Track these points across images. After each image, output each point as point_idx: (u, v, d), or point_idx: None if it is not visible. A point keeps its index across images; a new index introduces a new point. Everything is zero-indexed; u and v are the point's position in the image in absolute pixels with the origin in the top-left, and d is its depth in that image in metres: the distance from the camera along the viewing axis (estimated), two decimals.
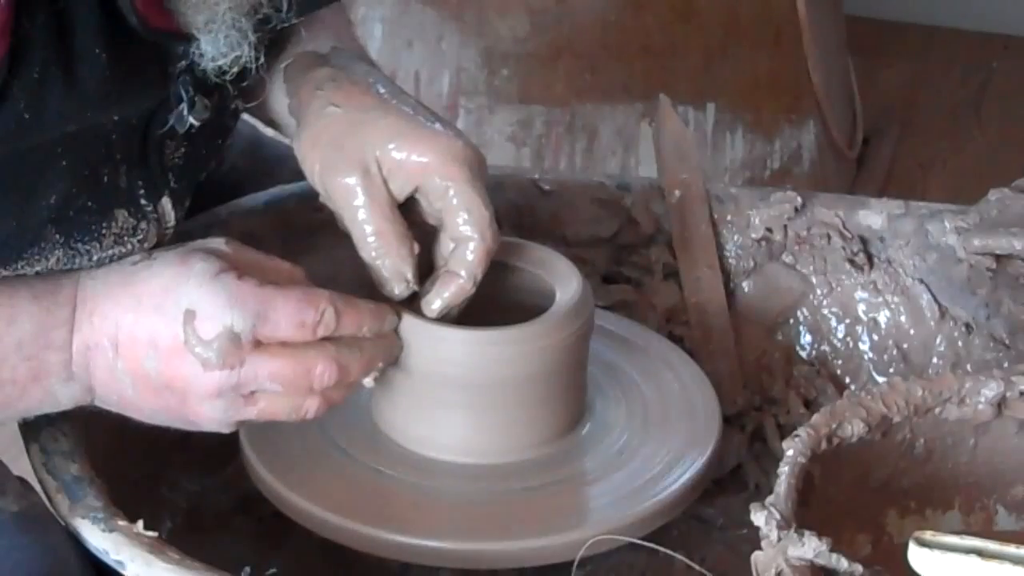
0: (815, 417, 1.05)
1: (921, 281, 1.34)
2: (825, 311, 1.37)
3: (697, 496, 1.17)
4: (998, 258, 1.29)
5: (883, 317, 1.35)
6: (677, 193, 1.38)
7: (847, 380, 1.37)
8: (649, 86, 2.24)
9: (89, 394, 1.07)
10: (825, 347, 1.37)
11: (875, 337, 1.36)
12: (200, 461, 1.26)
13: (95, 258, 1.07)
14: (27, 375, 1.04)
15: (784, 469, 1.00)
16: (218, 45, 1.04)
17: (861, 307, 1.36)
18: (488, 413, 1.14)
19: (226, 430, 1.07)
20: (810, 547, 0.93)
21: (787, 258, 1.38)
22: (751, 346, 1.37)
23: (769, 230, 1.37)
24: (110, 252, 1.08)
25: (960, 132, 2.97)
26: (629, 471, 1.16)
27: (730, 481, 1.31)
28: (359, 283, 1.11)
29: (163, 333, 1.03)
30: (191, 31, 1.04)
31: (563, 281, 1.17)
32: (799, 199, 1.36)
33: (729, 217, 1.38)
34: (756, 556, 0.96)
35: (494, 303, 1.16)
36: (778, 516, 0.95)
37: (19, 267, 1.04)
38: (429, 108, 1.14)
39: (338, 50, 1.18)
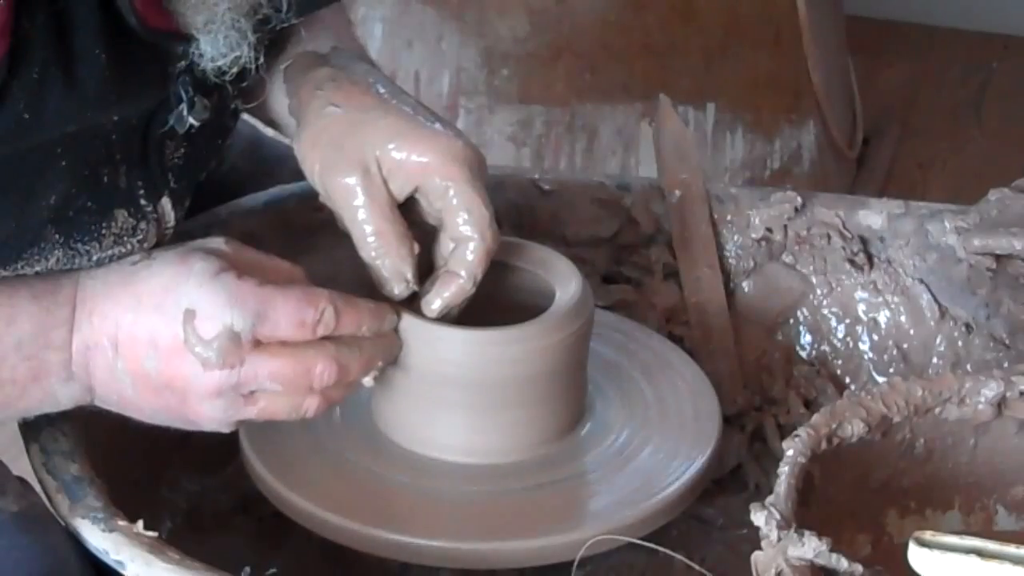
0: (815, 417, 1.05)
1: (921, 281, 1.34)
2: (825, 311, 1.37)
3: (697, 496, 1.17)
4: (998, 258, 1.29)
5: (883, 317, 1.35)
6: (677, 193, 1.38)
7: (847, 380, 1.37)
8: (649, 86, 2.24)
9: (89, 394, 1.07)
10: (825, 347, 1.37)
11: (875, 337, 1.36)
12: (200, 461, 1.26)
13: (95, 258, 1.07)
14: (27, 375, 1.04)
15: (784, 469, 1.00)
16: (217, 45, 1.04)
17: (861, 307, 1.36)
18: (488, 413, 1.14)
19: (226, 430, 1.07)
20: (810, 547, 0.93)
21: (787, 258, 1.38)
22: (751, 346, 1.37)
23: (769, 230, 1.37)
24: (110, 252, 1.08)
25: (960, 132, 2.97)
26: (629, 471, 1.16)
27: (730, 481, 1.31)
28: (359, 283, 1.11)
29: (163, 333, 1.03)
30: (190, 31, 1.04)
31: (563, 281, 1.17)
32: (799, 199, 1.36)
33: (729, 217, 1.38)
34: (756, 556, 0.96)
35: (494, 303, 1.16)
36: (778, 516, 0.95)
37: (19, 267, 1.04)
38: (429, 108, 1.14)
39: (338, 50, 1.18)
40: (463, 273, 1.10)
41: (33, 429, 1.11)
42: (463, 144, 1.10)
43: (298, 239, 1.29)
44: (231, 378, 1.03)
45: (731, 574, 1.13)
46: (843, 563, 0.93)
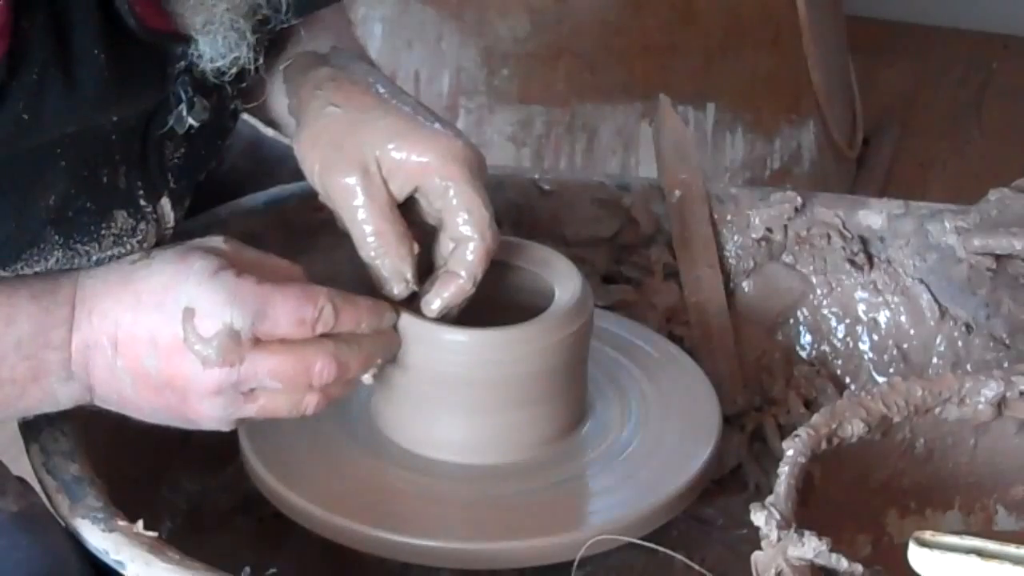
0: (815, 417, 1.05)
1: (921, 281, 1.34)
2: (825, 311, 1.37)
3: (697, 496, 1.17)
4: (998, 258, 1.29)
5: (883, 317, 1.35)
6: (677, 193, 1.38)
7: (847, 380, 1.37)
8: (649, 86, 2.24)
9: (89, 393, 1.07)
10: (825, 347, 1.37)
11: (875, 337, 1.36)
12: (200, 461, 1.26)
13: (94, 259, 1.07)
14: (26, 374, 1.04)
15: (784, 469, 1.00)
16: (216, 46, 1.04)
17: (861, 307, 1.36)
18: (488, 413, 1.14)
19: (226, 428, 1.07)
20: (810, 547, 0.93)
21: (787, 258, 1.38)
22: (751, 346, 1.37)
23: (769, 230, 1.37)
24: (109, 253, 1.08)
25: (960, 132, 2.97)
26: (629, 471, 1.16)
27: (730, 481, 1.31)
28: (359, 283, 1.11)
29: (163, 331, 1.03)
30: (189, 32, 1.04)
31: (563, 281, 1.17)
32: (799, 199, 1.36)
33: (729, 217, 1.38)
34: (756, 556, 0.96)
35: (494, 303, 1.16)
36: (778, 516, 0.95)
37: (18, 268, 1.04)
38: (429, 108, 1.14)
39: (338, 50, 1.18)
40: (463, 273, 1.10)
41: (33, 429, 1.11)
42: (463, 144, 1.10)
43: (298, 239, 1.29)
44: (231, 376, 1.03)
45: (731, 574, 1.13)
46: (843, 563, 0.93)
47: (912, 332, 1.34)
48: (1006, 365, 1.28)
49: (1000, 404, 1.09)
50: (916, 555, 0.92)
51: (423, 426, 1.15)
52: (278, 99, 1.19)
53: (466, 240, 1.10)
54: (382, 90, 1.13)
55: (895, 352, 1.35)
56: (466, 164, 1.09)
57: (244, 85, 1.11)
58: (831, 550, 0.93)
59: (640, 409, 1.21)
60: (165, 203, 1.12)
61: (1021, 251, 1.27)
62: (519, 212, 1.38)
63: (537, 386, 1.14)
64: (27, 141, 0.99)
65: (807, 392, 1.36)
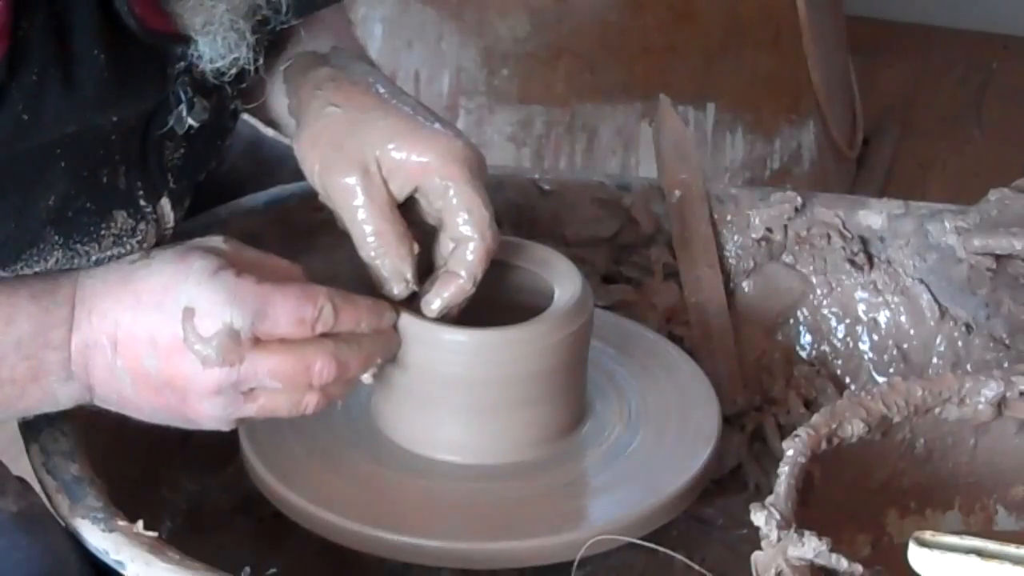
0: (815, 417, 1.05)
1: (921, 281, 1.34)
2: (825, 311, 1.37)
3: (697, 496, 1.17)
4: (998, 258, 1.29)
5: (883, 317, 1.35)
6: (677, 193, 1.38)
7: (847, 380, 1.37)
8: (649, 86, 2.24)
9: (88, 393, 1.07)
10: (825, 347, 1.37)
11: (875, 337, 1.36)
12: (200, 461, 1.26)
13: (94, 259, 1.07)
14: (26, 374, 1.04)
15: (784, 469, 1.00)
16: (216, 47, 1.04)
17: (861, 307, 1.36)
18: (488, 413, 1.14)
19: (226, 428, 1.07)
20: (810, 547, 0.93)
21: (787, 258, 1.38)
22: (751, 346, 1.37)
23: (769, 230, 1.37)
24: (109, 253, 1.08)
25: (960, 132, 2.97)
26: (629, 471, 1.16)
27: (730, 481, 1.31)
28: (359, 283, 1.11)
29: (162, 331, 1.03)
30: (189, 33, 1.04)
31: (563, 280, 1.17)
32: (799, 199, 1.36)
33: (729, 217, 1.38)
34: (756, 556, 0.96)
35: (494, 303, 1.16)
36: (778, 516, 0.95)
37: (18, 268, 1.04)
38: (429, 108, 1.14)
39: (338, 50, 1.18)
40: (463, 273, 1.10)
41: (33, 429, 1.11)
42: (463, 144, 1.10)
43: (298, 239, 1.29)
44: (231, 376, 1.03)
45: (731, 574, 1.13)
46: (843, 563, 0.93)
47: (912, 332, 1.34)
48: (1006, 365, 1.28)
49: (1000, 404, 1.09)
50: (916, 555, 0.92)
51: (423, 426, 1.15)
52: (278, 99, 1.19)
53: (466, 240, 1.10)
54: (382, 90, 1.13)
55: (895, 352, 1.35)
56: (466, 164, 1.09)
57: (244, 85, 1.11)
58: (831, 550, 0.93)
59: (640, 409, 1.21)
60: (165, 203, 1.12)
61: (1021, 251, 1.27)
62: (519, 212, 1.38)
63: (537, 386, 1.14)
64: (27, 141, 0.99)
65: (807, 392, 1.36)
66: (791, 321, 1.38)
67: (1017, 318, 1.29)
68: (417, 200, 1.12)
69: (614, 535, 1.10)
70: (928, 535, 0.92)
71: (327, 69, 1.15)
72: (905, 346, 1.34)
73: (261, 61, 1.07)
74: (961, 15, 3.28)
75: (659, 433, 1.19)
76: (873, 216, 1.36)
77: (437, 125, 1.11)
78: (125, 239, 1.08)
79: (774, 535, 0.95)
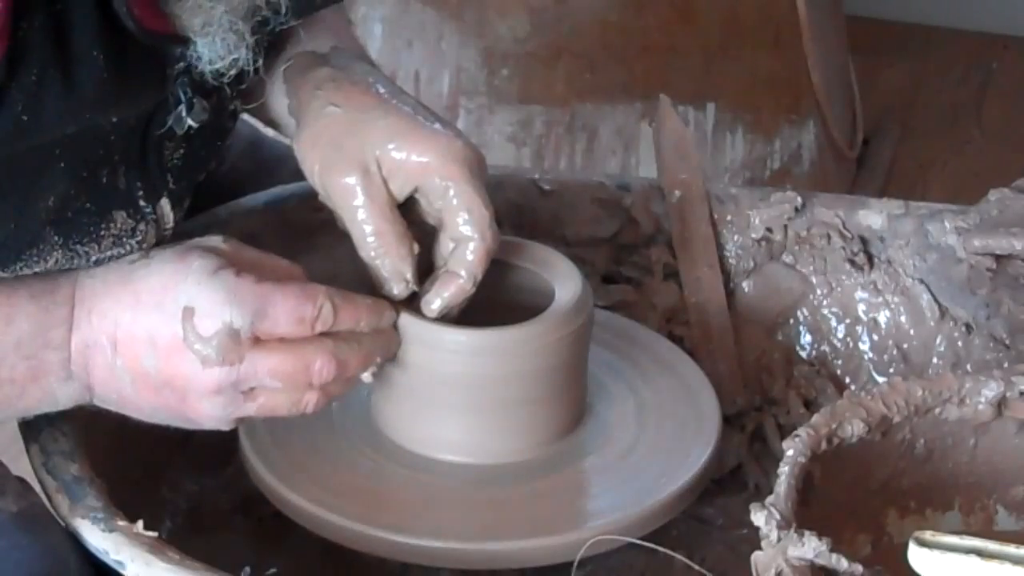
0: (815, 417, 1.05)
1: (921, 281, 1.34)
2: (825, 311, 1.37)
3: (697, 496, 1.17)
4: (998, 258, 1.29)
5: (883, 317, 1.35)
6: (677, 193, 1.38)
7: (847, 380, 1.37)
8: (649, 86, 2.24)
9: (88, 393, 1.07)
10: (825, 347, 1.37)
11: (875, 337, 1.36)
12: (200, 461, 1.26)
13: (93, 259, 1.07)
14: (26, 374, 1.04)
15: (784, 469, 1.00)
16: (215, 48, 1.04)
17: (861, 307, 1.36)
18: (488, 413, 1.14)
19: (226, 427, 1.07)
20: (810, 547, 0.93)
21: (787, 258, 1.38)
22: (751, 346, 1.37)
23: (769, 230, 1.37)
24: (108, 253, 1.08)
25: (960, 132, 2.97)
26: (629, 471, 1.16)
27: (730, 481, 1.31)
28: (359, 283, 1.11)
29: (162, 331, 1.03)
30: (188, 34, 1.03)
31: (563, 280, 1.17)
32: (799, 199, 1.36)
33: (729, 217, 1.38)
34: (756, 556, 0.96)
35: (494, 302, 1.16)
36: (778, 516, 0.95)
37: (18, 269, 1.04)
38: (429, 108, 1.14)
39: (338, 50, 1.18)
40: (463, 273, 1.10)
41: (33, 429, 1.11)
42: (463, 144, 1.10)
43: (298, 239, 1.29)
44: (230, 375, 1.03)
45: (731, 574, 1.13)
46: (843, 563, 0.93)
47: (912, 332, 1.34)
48: (1006, 365, 1.28)
49: (1000, 404, 1.09)
50: (916, 555, 0.92)
51: (423, 426, 1.15)
52: (278, 99, 1.19)
53: (466, 240, 1.10)
54: (382, 90, 1.13)
55: (895, 352, 1.35)
56: (466, 164, 1.09)
57: (243, 86, 1.11)
58: (831, 550, 0.93)
59: (640, 409, 1.21)
60: (164, 204, 1.12)
61: (1021, 251, 1.27)
62: (519, 212, 1.38)
63: (537, 386, 1.14)
64: (26, 142, 0.99)
65: (807, 392, 1.36)
66: (791, 321, 1.38)
67: (1017, 318, 1.29)
68: (417, 200, 1.12)
69: (614, 535, 1.10)
70: (928, 535, 0.92)
71: (327, 69, 1.15)
72: (905, 346, 1.34)
73: (261, 62, 1.07)
74: (961, 15, 3.28)
75: (659, 433, 1.19)
76: (873, 216, 1.36)
77: (437, 125, 1.11)
78: (125, 239, 1.08)
79: (774, 535, 0.95)
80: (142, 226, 1.09)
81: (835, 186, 2.49)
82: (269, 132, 1.31)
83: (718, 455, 1.20)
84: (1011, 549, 0.90)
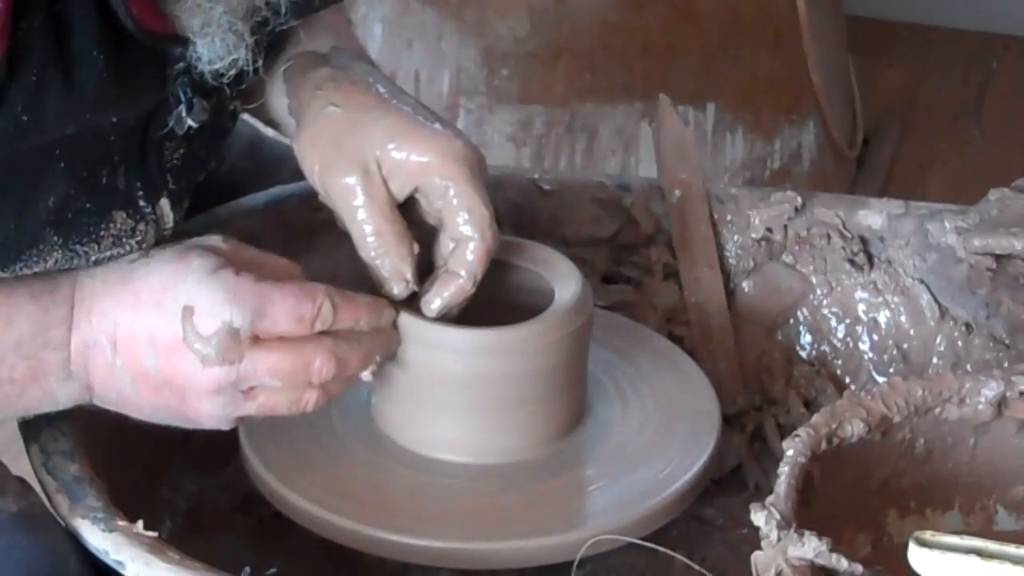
0: (815, 417, 1.05)
1: (921, 281, 1.34)
2: (825, 311, 1.37)
3: (697, 496, 1.17)
4: (998, 258, 1.29)
5: (883, 317, 1.35)
6: (677, 193, 1.38)
7: (847, 380, 1.37)
8: (649, 86, 2.24)
9: (88, 393, 1.07)
10: (825, 347, 1.37)
11: (875, 337, 1.36)
12: (200, 461, 1.26)
13: (93, 259, 1.07)
14: (25, 374, 1.04)
15: (784, 469, 1.00)
16: (215, 49, 1.04)
17: (861, 307, 1.36)
18: (488, 413, 1.14)
19: (226, 427, 1.07)
20: (810, 547, 0.93)
21: (787, 258, 1.38)
22: (751, 346, 1.37)
23: (769, 230, 1.37)
24: (108, 254, 1.08)
25: (960, 132, 2.97)
26: (629, 471, 1.16)
27: (730, 481, 1.31)
28: (359, 283, 1.11)
29: (162, 330, 1.03)
30: (187, 35, 1.03)
31: (563, 280, 1.17)
32: (799, 199, 1.36)
33: (729, 217, 1.38)
34: (756, 556, 0.96)
35: (494, 302, 1.16)
36: (778, 516, 0.95)
37: (17, 269, 1.04)
38: (429, 108, 1.14)
39: (338, 50, 1.18)
40: (463, 273, 1.10)
41: (33, 429, 1.11)
42: (463, 144, 1.10)
43: (298, 239, 1.29)
44: (230, 374, 1.03)
45: (731, 574, 1.13)
46: (843, 563, 0.93)
47: (912, 332, 1.34)
48: (1006, 365, 1.28)
49: (1000, 404, 1.09)
50: (916, 555, 0.92)
51: (423, 426, 1.15)
52: (278, 99, 1.19)
53: (466, 240, 1.10)
54: (382, 90, 1.13)
55: (895, 352, 1.35)
56: (466, 164, 1.10)
57: (243, 86, 1.11)
58: (831, 550, 0.93)
59: (640, 409, 1.21)
60: (164, 204, 1.12)
61: (1021, 251, 1.27)
62: (519, 212, 1.38)
63: (537, 385, 1.14)
64: (26, 142, 0.99)
65: (807, 392, 1.36)
66: (791, 321, 1.38)
67: (1017, 318, 1.29)
68: (417, 200, 1.12)
69: (614, 535, 1.10)
70: (928, 535, 0.92)
71: (327, 69, 1.15)
72: (905, 346, 1.34)
73: (260, 62, 1.07)
74: (961, 15, 3.28)
75: (659, 433, 1.19)
76: (873, 216, 1.36)
77: (437, 125, 1.11)
78: (124, 240, 1.08)
79: (774, 535, 0.95)
80: (142, 226, 1.09)
81: (835, 186, 2.49)
82: (269, 132, 1.31)
83: (718, 455, 1.20)
84: (1011, 549, 0.90)
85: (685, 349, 1.31)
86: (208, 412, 1.05)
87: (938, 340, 1.33)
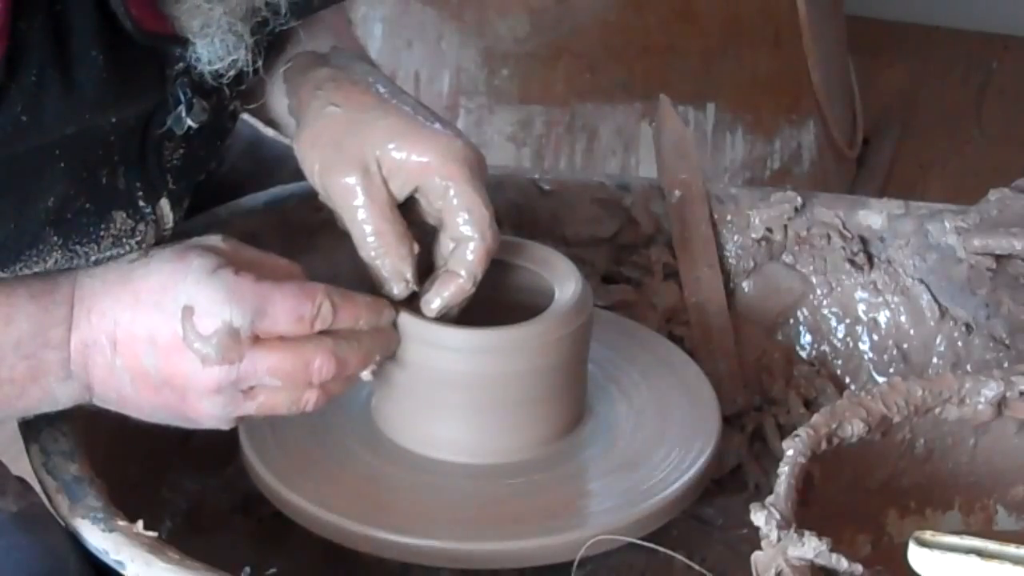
0: (815, 417, 1.05)
1: (921, 281, 1.34)
2: (825, 311, 1.37)
3: (697, 496, 1.17)
4: (998, 258, 1.29)
5: (883, 317, 1.35)
6: (677, 193, 1.38)
7: (847, 380, 1.37)
8: (649, 86, 2.24)
9: (88, 392, 1.07)
10: (825, 347, 1.37)
11: (875, 337, 1.36)
12: (200, 461, 1.26)
13: (93, 259, 1.07)
14: (25, 374, 1.04)
15: (784, 469, 1.00)
16: (214, 49, 1.04)
17: (861, 307, 1.36)
18: (488, 413, 1.14)
19: (225, 426, 1.07)
20: (810, 547, 0.93)
21: (787, 258, 1.38)
22: (751, 346, 1.37)
23: (769, 230, 1.37)
24: (108, 254, 1.07)
25: (960, 132, 2.97)
26: (629, 471, 1.16)
27: (730, 481, 1.31)
28: (359, 283, 1.11)
29: (162, 330, 1.03)
30: (186, 36, 1.03)
31: (562, 280, 1.17)
32: (799, 199, 1.36)
33: (729, 217, 1.38)
34: (756, 556, 0.96)
35: (494, 302, 1.16)
36: (778, 516, 0.95)
37: (17, 269, 1.04)
38: (429, 108, 1.14)
39: (338, 50, 1.18)
40: (463, 273, 1.10)
41: (33, 429, 1.11)
42: (463, 144, 1.10)
43: (298, 239, 1.29)
44: (230, 374, 1.03)
45: (731, 574, 1.13)
46: (843, 563, 0.93)
47: (912, 332, 1.34)
48: (1006, 365, 1.28)
49: (1000, 404, 1.09)
50: (916, 555, 0.92)
51: (423, 426, 1.15)
52: (278, 99, 1.19)
53: (466, 240, 1.10)
54: (382, 90, 1.13)
55: (895, 352, 1.35)
56: (466, 164, 1.09)
57: (243, 87, 1.11)
58: (831, 550, 0.93)
59: (640, 409, 1.21)
60: (164, 204, 1.12)
61: (1021, 251, 1.27)
62: (519, 212, 1.38)
63: (537, 385, 1.14)
64: (26, 142, 0.99)
65: (807, 392, 1.36)
66: (791, 321, 1.38)
67: (1017, 318, 1.29)
68: (417, 200, 1.12)
69: (614, 535, 1.10)
70: (928, 535, 0.92)
71: (327, 69, 1.15)
72: (905, 346, 1.34)
73: (260, 63, 1.07)
74: (961, 15, 3.28)
75: (659, 433, 1.19)
76: (873, 216, 1.36)
77: (437, 125, 1.11)
78: (124, 240, 1.08)
79: (774, 535, 0.95)
80: (141, 226, 1.09)
81: (835, 186, 2.49)
82: (269, 132, 1.31)
83: (718, 455, 1.20)
84: (1011, 549, 0.90)
85: (685, 349, 1.31)
86: (208, 412, 1.05)
87: (938, 340, 1.33)
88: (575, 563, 1.07)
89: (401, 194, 1.11)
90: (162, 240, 1.12)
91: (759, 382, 1.36)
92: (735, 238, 1.38)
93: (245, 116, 1.24)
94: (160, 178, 1.11)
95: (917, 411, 1.08)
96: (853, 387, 1.36)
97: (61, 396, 1.06)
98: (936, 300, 1.33)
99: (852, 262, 1.35)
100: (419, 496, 1.13)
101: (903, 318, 1.35)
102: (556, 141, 2.29)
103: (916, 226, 1.34)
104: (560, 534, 1.10)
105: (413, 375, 1.13)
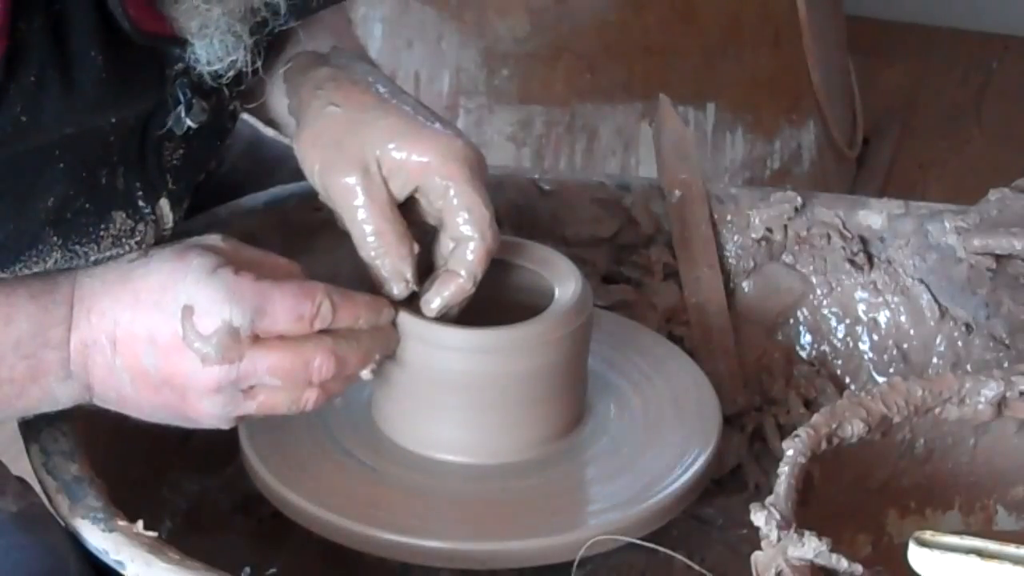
0: (815, 417, 1.05)
1: (921, 281, 1.34)
2: (825, 311, 1.37)
3: (697, 496, 1.17)
4: (998, 258, 1.29)
5: (883, 317, 1.35)
6: (677, 193, 1.38)
7: (847, 380, 1.37)
8: (649, 86, 2.24)
9: (88, 392, 1.07)
10: (825, 347, 1.37)
11: (875, 337, 1.36)
12: (200, 461, 1.26)
13: (92, 260, 1.07)
14: (25, 374, 1.04)
15: (784, 469, 1.00)
16: (213, 50, 1.04)
17: (861, 307, 1.36)
18: (488, 413, 1.14)
19: (225, 426, 1.07)
20: (810, 547, 0.93)
21: (787, 258, 1.38)
22: (751, 346, 1.37)
23: (769, 230, 1.37)
24: (108, 254, 1.07)
25: (960, 132, 2.97)
26: (629, 471, 1.16)
27: (730, 481, 1.31)
28: (359, 283, 1.11)
29: (161, 329, 1.03)
30: (185, 36, 1.03)
31: (562, 280, 1.17)
32: (799, 199, 1.36)
33: (729, 217, 1.38)
34: (756, 556, 0.96)
35: (494, 302, 1.16)
36: (778, 516, 0.95)
37: (17, 269, 1.04)
38: (429, 108, 1.14)
39: (338, 50, 1.18)
40: (463, 272, 1.10)
41: (33, 429, 1.11)
42: (463, 144, 1.10)
43: (298, 239, 1.29)
44: (230, 373, 1.03)
45: (731, 574, 1.13)
46: (843, 563, 0.93)
47: (912, 332, 1.34)
48: (1006, 365, 1.28)
49: (1000, 404, 1.09)
50: (916, 555, 0.92)
51: (423, 426, 1.15)
52: (278, 99, 1.19)
53: (466, 240, 1.10)
54: (382, 90, 1.13)
55: (895, 352, 1.35)
56: (466, 164, 1.09)
57: (242, 87, 1.11)
58: (831, 550, 0.93)
59: (640, 409, 1.21)
60: (164, 204, 1.12)
61: (1021, 251, 1.27)
62: (519, 212, 1.38)
63: (537, 385, 1.14)
64: (25, 143, 0.99)
65: (807, 392, 1.36)
66: (791, 321, 1.38)
67: (1017, 318, 1.29)
68: (417, 200, 1.12)
69: (614, 535, 1.10)
70: (928, 535, 0.92)
71: (327, 69, 1.15)
72: (905, 346, 1.34)
73: (260, 63, 1.07)
74: (961, 15, 3.28)
75: (659, 433, 1.19)
76: (873, 216, 1.36)
77: (437, 125, 1.11)
78: (124, 240, 1.08)
79: (774, 535, 0.95)
80: (141, 226, 1.09)
81: (835, 186, 2.49)
82: (269, 132, 1.31)
83: (718, 455, 1.20)
84: (1011, 549, 0.90)
85: (685, 349, 1.31)
86: (208, 411, 1.05)
87: (938, 340, 1.33)
88: (575, 563, 1.07)
89: (401, 194, 1.10)
90: (162, 240, 1.12)
91: (759, 382, 1.36)
92: (735, 238, 1.38)
93: (245, 116, 1.24)
94: (160, 178, 1.11)
95: (917, 411, 1.08)
96: (853, 387, 1.36)
97: (61, 396, 1.06)
98: (936, 300, 1.33)
99: (852, 262, 1.35)
100: (419, 496, 1.13)
101: (903, 318, 1.35)
102: (556, 141, 2.29)
103: (916, 226, 1.34)
104: (560, 534, 1.10)
105: (413, 375, 1.13)
